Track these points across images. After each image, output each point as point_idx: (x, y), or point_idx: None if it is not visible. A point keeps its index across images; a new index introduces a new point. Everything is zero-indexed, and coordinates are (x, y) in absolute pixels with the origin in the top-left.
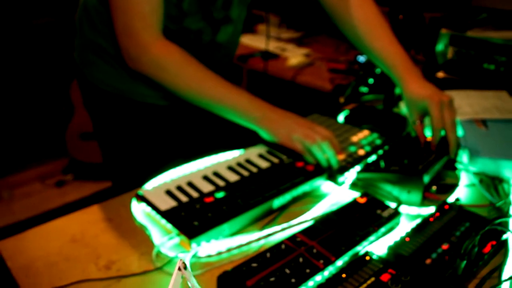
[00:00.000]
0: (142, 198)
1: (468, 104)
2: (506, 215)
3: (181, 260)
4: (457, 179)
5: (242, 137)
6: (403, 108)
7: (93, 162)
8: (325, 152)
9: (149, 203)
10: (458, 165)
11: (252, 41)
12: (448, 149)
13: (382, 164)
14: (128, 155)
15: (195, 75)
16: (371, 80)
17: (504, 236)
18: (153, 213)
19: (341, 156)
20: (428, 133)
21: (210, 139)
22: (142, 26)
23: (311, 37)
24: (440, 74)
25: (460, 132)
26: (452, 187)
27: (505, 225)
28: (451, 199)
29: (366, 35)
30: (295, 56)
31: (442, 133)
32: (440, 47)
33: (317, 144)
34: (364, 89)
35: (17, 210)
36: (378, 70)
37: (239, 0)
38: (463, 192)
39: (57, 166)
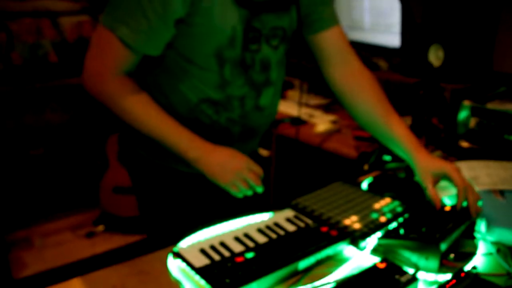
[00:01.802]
0: (178, 255)
1: (487, 174)
2: None
3: None
4: (475, 247)
5: (272, 202)
6: None
7: (124, 215)
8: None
9: (185, 260)
10: (476, 234)
11: (282, 107)
12: (470, 212)
13: (401, 231)
14: (161, 214)
15: (139, 114)
16: None
17: None
18: (188, 269)
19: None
20: (447, 201)
21: (241, 202)
22: (106, 66)
23: (339, 104)
24: (465, 144)
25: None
26: (470, 255)
27: None
28: (468, 267)
29: (379, 115)
30: (322, 123)
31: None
32: (462, 117)
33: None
34: (387, 157)
35: (48, 258)
36: None
37: (277, 61)
38: (480, 260)
39: (88, 217)
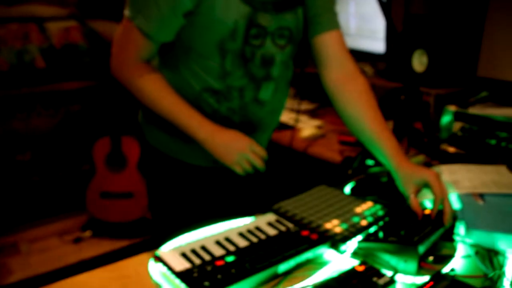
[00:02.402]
0: (159, 259)
1: (468, 178)
2: (495, 285)
3: None
4: (453, 250)
5: (261, 203)
6: None
7: (112, 221)
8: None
9: (165, 264)
10: (455, 237)
11: None
12: (443, 220)
13: (380, 234)
14: (171, 209)
15: (154, 95)
16: None
17: None
18: (169, 273)
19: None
20: (428, 205)
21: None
22: (127, 53)
23: (325, 109)
24: (451, 149)
25: (458, 205)
26: (448, 257)
27: None
28: (446, 269)
29: (366, 120)
30: (308, 128)
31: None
32: (444, 122)
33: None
34: (370, 161)
35: (34, 264)
36: None
37: (282, 61)
38: (459, 262)
39: (76, 222)
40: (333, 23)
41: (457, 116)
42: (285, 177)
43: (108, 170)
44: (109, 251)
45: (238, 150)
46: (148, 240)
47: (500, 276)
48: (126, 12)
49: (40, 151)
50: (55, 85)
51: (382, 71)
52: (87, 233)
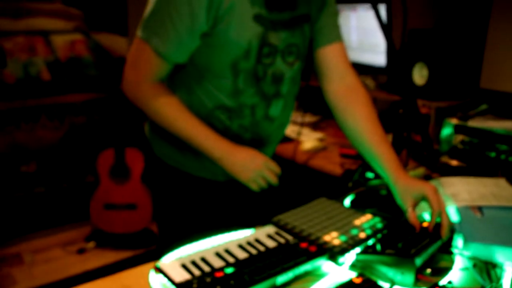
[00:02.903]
0: (159, 270)
1: (466, 191)
2: None
3: None
4: (451, 262)
5: (261, 215)
6: None
7: (115, 232)
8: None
9: (166, 275)
10: (453, 249)
11: None
12: (441, 233)
13: (378, 247)
14: (176, 220)
15: (169, 115)
16: None
17: None
18: (169, 284)
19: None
20: (427, 218)
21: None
22: (141, 74)
23: (327, 122)
24: (452, 162)
25: (456, 218)
26: (446, 270)
27: None
28: (443, 281)
29: (366, 133)
30: (309, 141)
31: (437, 219)
32: (445, 134)
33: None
34: (370, 174)
35: (38, 274)
36: None
37: (291, 77)
38: (457, 275)
39: (80, 233)
40: (335, 36)
41: (457, 129)
42: (286, 190)
43: (112, 182)
44: (112, 262)
45: (254, 168)
46: (152, 251)
47: None
48: (139, 33)
49: (45, 162)
50: (60, 97)
51: (383, 84)
52: (91, 244)
